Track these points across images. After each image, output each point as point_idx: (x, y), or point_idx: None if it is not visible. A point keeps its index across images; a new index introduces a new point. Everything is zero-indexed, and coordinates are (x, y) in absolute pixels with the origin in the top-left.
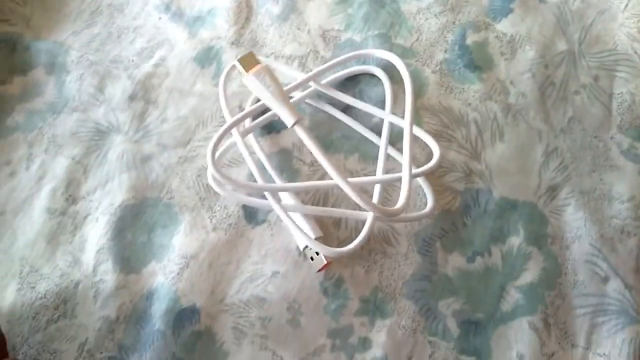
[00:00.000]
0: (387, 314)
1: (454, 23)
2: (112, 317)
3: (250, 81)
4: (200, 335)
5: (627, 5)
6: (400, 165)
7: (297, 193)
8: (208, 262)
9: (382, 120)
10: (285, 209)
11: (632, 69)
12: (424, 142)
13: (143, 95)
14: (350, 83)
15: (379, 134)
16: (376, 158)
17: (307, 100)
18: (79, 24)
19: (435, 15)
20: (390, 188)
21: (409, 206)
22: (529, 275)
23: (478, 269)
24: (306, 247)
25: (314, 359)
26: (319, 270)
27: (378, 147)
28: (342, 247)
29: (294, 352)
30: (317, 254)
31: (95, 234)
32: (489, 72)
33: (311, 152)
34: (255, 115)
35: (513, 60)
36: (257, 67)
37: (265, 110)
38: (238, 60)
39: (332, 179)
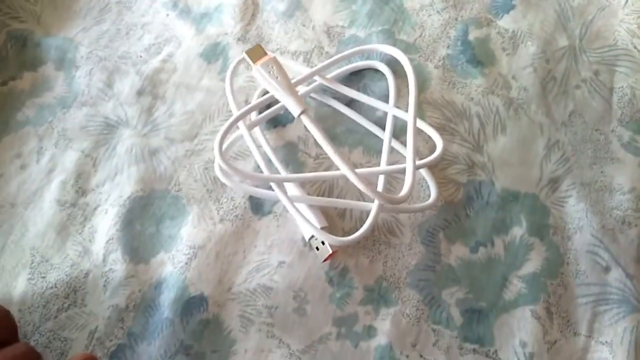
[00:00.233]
0: (392, 303)
1: (456, 19)
2: (121, 306)
3: (258, 72)
4: (208, 323)
5: (627, 1)
6: (403, 158)
7: (302, 184)
8: (215, 252)
9: (385, 114)
10: (291, 200)
11: (632, 64)
12: (427, 136)
13: (151, 90)
14: (354, 78)
15: (382, 127)
16: (380, 151)
17: (312, 95)
18: (89, 20)
19: (438, 11)
20: (394, 181)
21: (412, 196)
22: (532, 265)
23: (481, 259)
24: (312, 237)
25: (319, 347)
26: (325, 260)
27: (382, 140)
28: (347, 237)
29: (300, 340)
30: (323, 243)
31: (105, 225)
32: (491, 67)
33: (316, 145)
34: (262, 108)
35: (515, 56)
36: (265, 58)
37: (271, 104)
38: (246, 52)
39: (337, 170)
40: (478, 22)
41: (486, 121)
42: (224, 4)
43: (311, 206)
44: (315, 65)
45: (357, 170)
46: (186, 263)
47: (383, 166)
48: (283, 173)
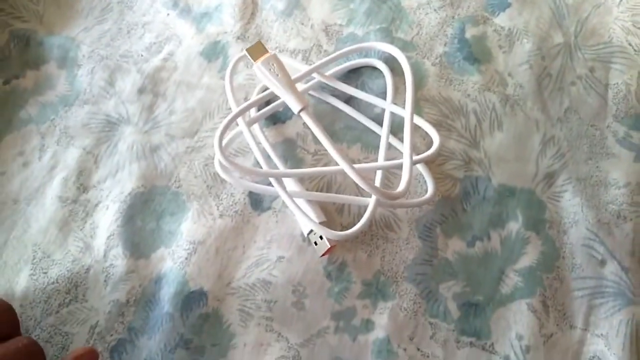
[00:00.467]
0: (389, 297)
1: (453, 17)
2: (122, 301)
3: (259, 69)
4: (207, 318)
5: None
6: (401, 154)
7: (301, 180)
8: (215, 248)
9: (383, 111)
10: (290, 195)
11: (627, 61)
12: (425, 132)
13: (152, 89)
14: (352, 75)
15: (380, 124)
16: (378, 148)
17: (311, 92)
18: (90, 20)
19: (435, 10)
20: (391, 176)
21: (410, 191)
22: (528, 259)
23: (478, 253)
24: (310, 232)
25: (318, 340)
26: (323, 255)
27: (380, 137)
28: (345, 231)
29: (299, 334)
30: (321, 238)
31: (106, 220)
32: (487, 65)
33: (315, 142)
34: (261, 105)
35: (511, 53)
36: (266, 55)
37: (270, 101)
38: (247, 49)
39: (335, 166)
40: (474, 20)
41: (482, 117)
42: (224, 4)
43: (310, 201)
44: (314, 63)
45: (355, 166)
46: (186, 258)
47: (380, 162)
48: (282, 168)
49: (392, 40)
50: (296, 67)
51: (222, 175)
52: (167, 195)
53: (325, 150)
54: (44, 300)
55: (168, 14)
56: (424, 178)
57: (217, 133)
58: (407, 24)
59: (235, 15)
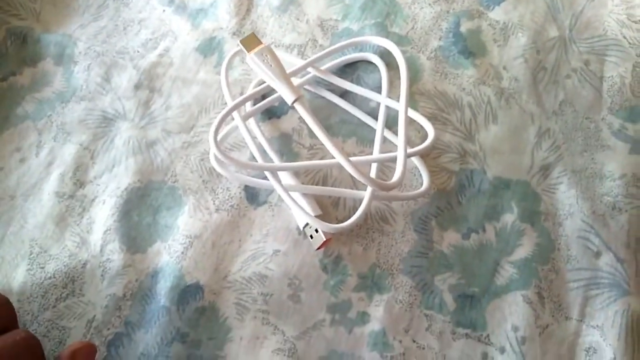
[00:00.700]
0: (385, 289)
1: (448, 12)
2: (118, 295)
3: (252, 60)
4: (204, 311)
5: None
6: (396, 147)
7: (297, 174)
8: (211, 242)
9: (379, 105)
10: (286, 189)
11: (622, 53)
12: (420, 126)
13: (148, 84)
14: (348, 70)
15: (376, 118)
16: (373, 141)
17: (306, 87)
18: (87, 17)
19: (430, 4)
20: (387, 170)
21: (405, 184)
22: (523, 250)
23: (473, 245)
24: (306, 225)
25: (313, 333)
26: (319, 248)
27: (375, 130)
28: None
29: (295, 326)
30: (317, 231)
31: (103, 215)
32: (482, 58)
33: (310, 136)
34: (257, 100)
35: (506, 47)
36: (259, 46)
37: (266, 95)
38: (240, 41)
39: (331, 158)
40: (469, 14)
41: (478, 111)
42: (220, 0)
43: (305, 195)
44: (309, 58)
45: (350, 159)
46: (182, 252)
47: (375, 155)
48: (277, 163)
49: (388, 35)
50: (291, 61)
51: (218, 169)
52: (163, 190)
53: (321, 144)
54: (41, 295)
55: (164, 11)
56: (419, 171)
57: (212, 127)
58: (402, 18)
59: (231, 11)
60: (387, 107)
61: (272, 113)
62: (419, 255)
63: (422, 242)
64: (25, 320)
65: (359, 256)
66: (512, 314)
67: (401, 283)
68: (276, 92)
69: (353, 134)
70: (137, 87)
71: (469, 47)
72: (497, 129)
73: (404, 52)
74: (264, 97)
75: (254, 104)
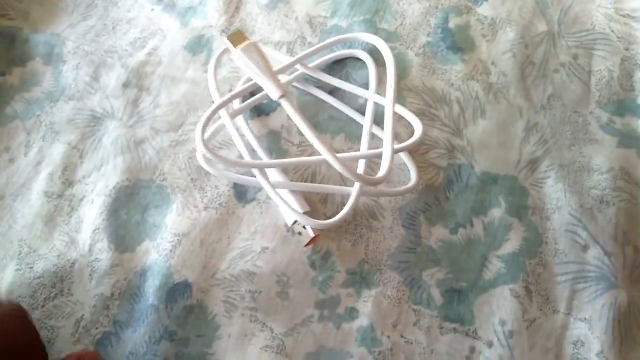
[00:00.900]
0: (373, 285)
1: (436, 8)
2: (107, 294)
3: (238, 57)
4: (192, 309)
5: None
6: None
7: (285, 171)
8: (200, 240)
9: (367, 102)
10: (274, 186)
11: (610, 47)
12: (409, 122)
13: (137, 83)
14: (337, 67)
15: (364, 114)
16: (362, 137)
17: (295, 84)
18: (76, 17)
19: (419, 0)
20: (375, 166)
21: (393, 180)
22: (511, 245)
23: (461, 240)
24: (294, 222)
25: (302, 330)
26: (307, 245)
27: (363, 126)
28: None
29: (283, 323)
30: (305, 228)
31: (91, 215)
32: (471, 54)
33: (300, 133)
34: (245, 97)
35: (494, 42)
36: (245, 43)
37: (254, 92)
38: (227, 37)
39: (319, 155)
40: (458, 10)
41: (466, 106)
42: None
43: (293, 192)
44: (298, 55)
45: (337, 155)
46: (171, 251)
47: (363, 151)
48: (265, 160)
49: (377, 32)
50: (280, 59)
51: (206, 167)
52: (152, 189)
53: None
54: (30, 295)
55: (153, 10)
56: (407, 167)
57: (199, 125)
58: (390, 14)
59: (220, 9)
60: (376, 104)
61: (261, 111)
62: (407, 251)
63: (411, 238)
64: None
65: (348, 252)
66: (499, 308)
67: (389, 279)
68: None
69: (342, 131)
70: (126, 86)
71: (458, 43)
72: (486, 124)
73: (392, 49)
74: (252, 94)
75: (243, 102)
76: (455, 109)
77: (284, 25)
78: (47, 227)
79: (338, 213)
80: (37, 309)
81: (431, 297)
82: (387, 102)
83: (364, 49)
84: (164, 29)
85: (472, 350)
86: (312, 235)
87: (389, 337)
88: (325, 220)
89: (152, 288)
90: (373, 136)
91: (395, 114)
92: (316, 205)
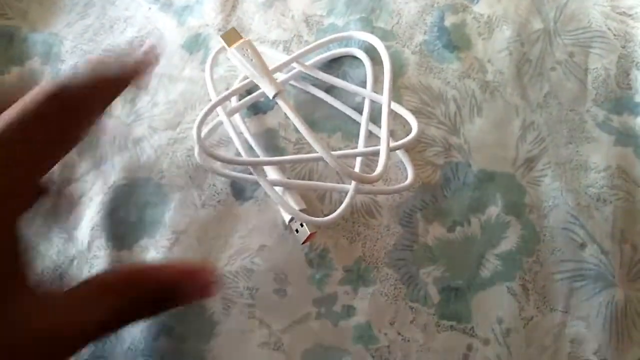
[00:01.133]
0: (370, 283)
1: (432, 6)
2: None
3: (233, 55)
4: (190, 306)
5: None
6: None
7: (282, 168)
8: (197, 237)
9: (364, 100)
10: (271, 183)
11: (607, 45)
12: (405, 120)
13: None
14: (333, 65)
15: (361, 113)
16: (359, 136)
17: (291, 82)
18: (73, 16)
19: None
20: (373, 164)
21: (390, 177)
22: (508, 243)
23: (458, 238)
24: (291, 220)
25: (299, 327)
26: (304, 242)
27: (360, 125)
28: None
29: (281, 320)
30: (302, 225)
31: (90, 213)
32: (467, 52)
33: (297, 131)
34: (242, 95)
35: (490, 40)
36: (240, 41)
37: (251, 90)
38: (221, 36)
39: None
40: (454, 8)
41: (462, 104)
42: None
43: (290, 190)
44: (294, 53)
45: (333, 153)
46: (169, 248)
47: (359, 148)
48: (262, 157)
49: (373, 30)
50: (277, 57)
51: (203, 165)
52: (149, 187)
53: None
54: None
55: (150, 8)
56: (404, 165)
57: (196, 123)
58: (387, 13)
59: (217, 8)
60: (373, 102)
61: (258, 108)
62: (404, 249)
63: (408, 236)
64: None
65: (345, 250)
66: (496, 306)
67: (386, 276)
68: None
69: (339, 129)
70: None
71: (454, 41)
72: (482, 122)
73: (388, 47)
74: (249, 92)
75: (240, 100)
76: (452, 107)
77: (280, 23)
78: (45, 225)
79: (335, 210)
80: None
81: (428, 295)
82: (384, 100)
83: (360, 47)
84: (161, 27)
85: (469, 347)
86: (309, 232)
87: (385, 334)
88: (323, 217)
89: None
90: (370, 134)
91: (391, 111)
92: (313, 203)
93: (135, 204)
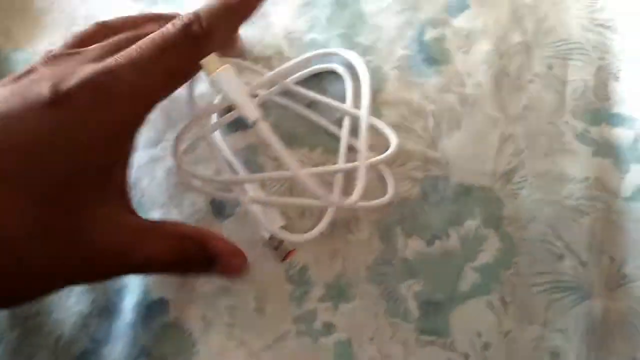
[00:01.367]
0: (350, 298)
1: (412, 21)
2: (85, 312)
3: (214, 82)
4: (169, 326)
5: None
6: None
7: (262, 185)
8: None
9: (344, 115)
10: (250, 200)
11: (585, 57)
12: (385, 135)
13: None
14: (314, 80)
15: (342, 128)
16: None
17: (272, 98)
18: (56, 35)
19: (395, 13)
20: (354, 178)
21: (368, 191)
22: (486, 256)
23: (437, 252)
24: (271, 237)
25: (279, 345)
26: (284, 259)
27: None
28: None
29: (260, 339)
30: (282, 242)
31: None
32: (446, 66)
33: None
34: (222, 112)
35: (470, 53)
36: (221, 67)
37: (231, 107)
38: (202, 62)
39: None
40: (434, 22)
41: (441, 118)
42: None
43: (270, 206)
44: (274, 71)
45: (313, 170)
46: None
47: (338, 165)
48: (242, 175)
49: (353, 45)
50: (256, 74)
51: (182, 183)
52: None
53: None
54: (10, 315)
55: None
56: (384, 179)
57: (173, 142)
58: (367, 28)
59: None
60: (353, 117)
61: (240, 125)
62: (384, 263)
63: (387, 250)
64: None
65: (325, 266)
66: (475, 319)
67: (366, 292)
68: None
69: (319, 144)
70: None
71: (433, 55)
72: (461, 135)
73: (369, 62)
74: (229, 109)
75: (220, 116)
76: (431, 122)
77: (262, 40)
78: None
79: (316, 226)
80: (17, 328)
81: (408, 310)
82: (362, 118)
83: (341, 63)
84: None
85: None
86: (289, 249)
87: (365, 350)
88: (303, 234)
89: (129, 305)
90: (350, 149)
91: (370, 127)
92: (293, 219)
93: None
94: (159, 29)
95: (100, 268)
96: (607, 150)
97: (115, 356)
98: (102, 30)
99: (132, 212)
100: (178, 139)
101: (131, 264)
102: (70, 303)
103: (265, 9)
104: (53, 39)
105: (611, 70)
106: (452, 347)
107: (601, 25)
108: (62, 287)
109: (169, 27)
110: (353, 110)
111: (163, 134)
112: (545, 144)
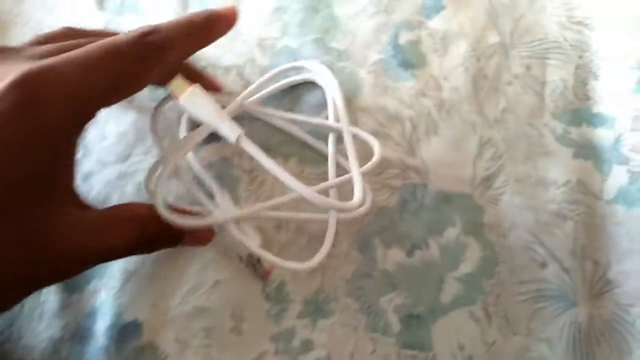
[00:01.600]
0: (329, 314)
1: (387, 24)
2: (56, 337)
3: (185, 106)
4: (143, 350)
5: None
6: (341, 164)
7: (235, 199)
8: (149, 276)
9: (321, 124)
10: (226, 220)
11: (563, 56)
12: (364, 142)
13: None
14: (289, 88)
15: (317, 136)
16: (314, 160)
17: (245, 109)
18: None
19: (369, 17)
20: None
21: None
22: (467, 265)
23: (417, 263)
24: (248, 255)
25: None
26: (262, 277)
27: (316, 149)
28: (284, 251)
29: (238, 359)
30: (259, 260)
31: None
32: (422, 69)
33: (251, 158)
34: (192, 126)
35: (446, 56)
36: (189, 90)
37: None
38: (169, 87)
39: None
40: (409, 25)
41: (418, 124)
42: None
43: (243, 222)
44: (249, 79)
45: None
46: (120, 289)
47: (332, 180)
48: (216, 190)
49: (327, 51)
50: (230, 83)
51: (154, 201)
52: None
53: (262, 167)
54: None
55: None
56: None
57: (147, 182)
58: (341, 33)
59: None
60: (331, 127)
61: (213, 137)
62: (364, 276)
63: (367, 262)
64: None
65: (303, 282)
66: (458, 331)
67: (345, 306)
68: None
69: (294, 154)
70: None
71: (409, 59)
72: (438, 141)
73: (343, 68)
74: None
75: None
76: (408, 127)
77: (232, 48)
78: None
79: (294, 240)
80: None
81: (388, 324)
82: (344, 130)
83: (318, 72)
84: None
85: None
86: (267, 269)
87: None
88: (280, 250)
89: (101, 328)
90: (326, 158)
91: (353, 136)
92: (269, 232)
93: None
94: None
95: (66, 266)
96: (588, 152)
97: None
98: (69, 34)
99: (86, 207)
100: (152, 180)
101: (96, 255)
102: (41, 328)
103: None
104: None
105: (590, 69)
106: None
107: (579, 23)
108: (31, 292)
109: (124, 33)
110: (335, 125)
111: (132, 148)
112: (525, 147)
